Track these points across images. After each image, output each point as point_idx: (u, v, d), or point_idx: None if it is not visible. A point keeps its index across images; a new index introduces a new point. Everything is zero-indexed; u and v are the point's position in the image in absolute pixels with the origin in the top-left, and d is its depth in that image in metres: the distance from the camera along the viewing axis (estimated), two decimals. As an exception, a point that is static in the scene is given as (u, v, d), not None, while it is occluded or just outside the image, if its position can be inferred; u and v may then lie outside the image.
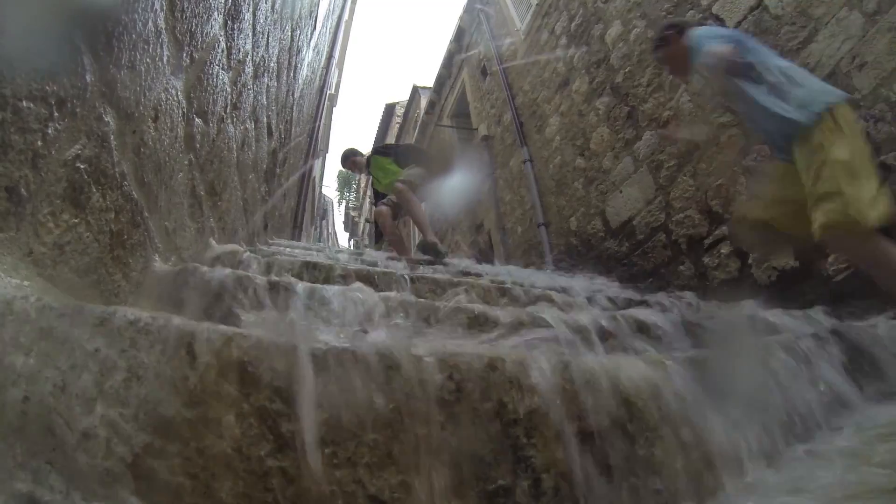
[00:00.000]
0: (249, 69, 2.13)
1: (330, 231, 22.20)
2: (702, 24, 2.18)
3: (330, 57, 7.00)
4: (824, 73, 2.36)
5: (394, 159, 4.58)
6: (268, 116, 2.76)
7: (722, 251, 2.97)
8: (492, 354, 0.80)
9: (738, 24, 2.91)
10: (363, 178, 4.96)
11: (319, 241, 12.63)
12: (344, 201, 25.65)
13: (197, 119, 1.49)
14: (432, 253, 3.58)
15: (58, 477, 0.54)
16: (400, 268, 2.45)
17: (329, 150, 12.27)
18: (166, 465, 0.57)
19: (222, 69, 1.68)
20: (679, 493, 0.83)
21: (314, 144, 5.87)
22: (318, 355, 0.67)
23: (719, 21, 3.07)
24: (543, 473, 0.74)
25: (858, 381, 1.37)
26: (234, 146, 2.00)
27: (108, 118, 0.97)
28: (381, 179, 4.63)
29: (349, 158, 5.15)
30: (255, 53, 2.18)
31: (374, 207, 5.07)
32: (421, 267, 2.87)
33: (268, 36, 2.46)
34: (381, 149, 5.12)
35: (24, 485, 0.52)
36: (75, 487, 0.54)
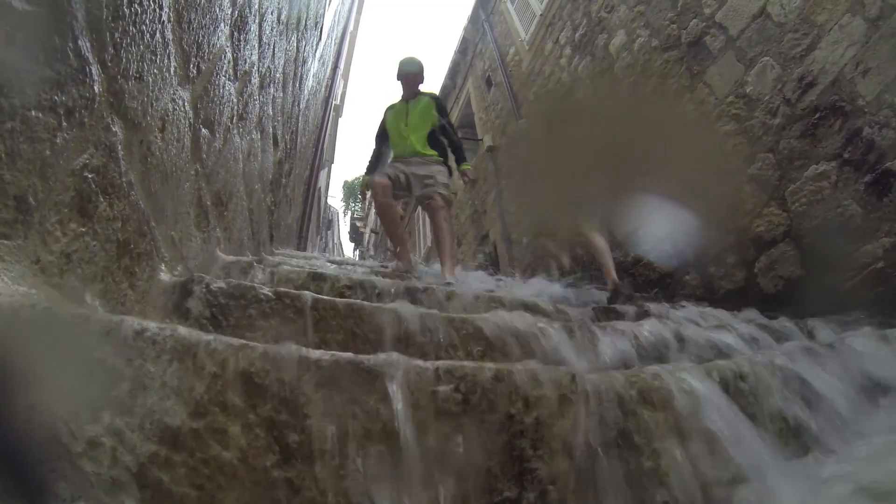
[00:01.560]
0: (255, 80, 2.14)
1: (335, 241, 22.24)
2: None
3: (335, 67, 7.05)
4: (828, 80, 2.36)
5: (439, 128, 3.57)
6: (273, 127, 2.78)
7: (728, 260, 2.95)
8: (498, 366, 0.80)
9: (742, 31, 2.92)
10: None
11: (325, 252, 12.66)
12: (349, 212, 25.74)
13: (203, 129, 1.50)
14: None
15: (63, 485, 0.53)
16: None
17: (334, 161, 12.33)
18: (172, 475, 0.56)
19: (229, 80, 1.69)
20: (687, 504, 0.82)
21: (320, 155, 5.89)
22: (324, 366, 0.67)
23: (722, 29, 3.08)
24: (549, 485, 0.74)
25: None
26: (241, 156, 2.01)
27: (115, 128, 0.98)
28: (410, 123, 3.53)
29: (409, 71, 3.71)
30: (261, 64, 2.20)
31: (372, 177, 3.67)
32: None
33: (273, 47, 2.48)
34: (440, 103, 3.79)
35: (30, 492, 0.52)
36: (80, 496, 0.53)
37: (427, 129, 3.54)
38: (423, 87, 3.78)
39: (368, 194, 4.11)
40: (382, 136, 3.76)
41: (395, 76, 3.76)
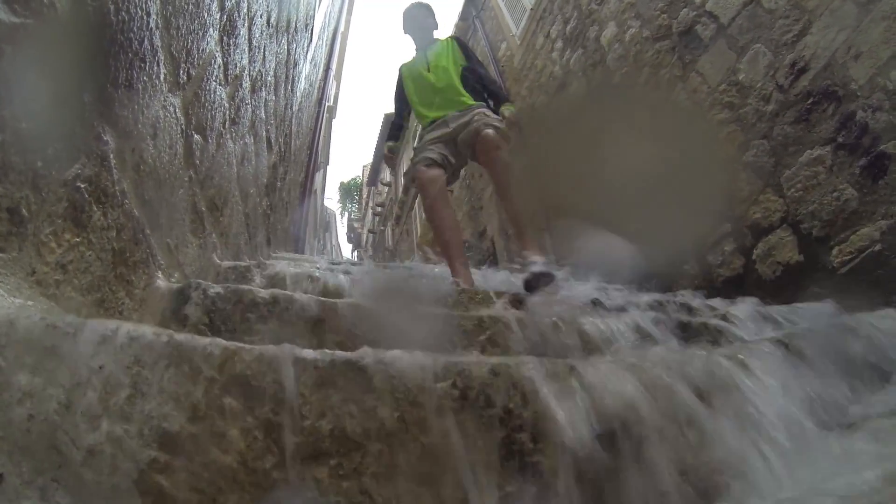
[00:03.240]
0: (247, 84, 2.14)
1: (333, 243, 22.26)
2: None
3: (327, 69, 7.04)
4: (821, 65, 2.36)
5: (469, 71, 2.87)
6: (267, 130, 2.78)
7: (725, 248, 2.96)
8: (495, 361, 0.80)
9: (732, 19, 2.92)
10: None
11: (323, 254, 12.69)
12: (346, 213, 25.78)
13: (196, 135, 1.50)
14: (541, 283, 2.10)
15: (64, 494, 0.54)
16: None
17: (329, 162, 12.33)
18: (172, 480, 0.57)
19: (219, 85, 1.69)
20: (687, 494, 0.83)
21: (314, 157, 5.89)
22: (321, 367, 0.67)
23: (713, 17, 3.07)
24: (551, 479, 0.74)
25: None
26: (234, 161, 2.01)
27: (106, 137, 0.98)
28: (433, 67, 2.84)
29: (415, 16, 3.08)
30: (251, 68, 2.20)
31: (393, 153, 3.17)
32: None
33: (264, 50, 2.47)
34: (463, 42, 3.09)
35: (31, 502, 0.52)
36: (82, 505, 0.54)
37: (457, 71, 2.84)
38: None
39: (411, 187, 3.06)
40: (402, 99, 3.06)
41: (403, 30, 3.17)
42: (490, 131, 2.52)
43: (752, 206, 2.75)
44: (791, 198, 2.50)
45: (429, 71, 2.86)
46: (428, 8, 3.13)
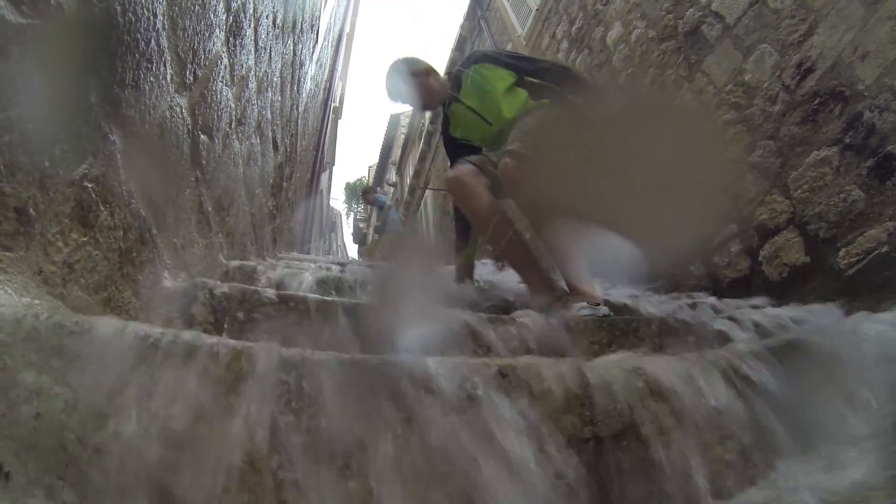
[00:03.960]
0: (253, 84, 2.15)
1: (339, 243, 22.29)
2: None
3: (333, 69, 7.05)
4: (827, 66, 2.34)
5: (521, 78, 2.29)
6: (273, 131, 2.79)
7: (731, 249, 2.94)
8: (502, 362, 0.80)
9: (738, 19, 2.90)
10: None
11: (329, 254, 12.72)
12: (352, 213, 25.82)
13: (202, 135, 1.50)
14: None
15: (71, 492, 0.54)
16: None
17: (335, 163, 12.36)
18: (178, 480, 0.57)
19: (226, 85, 1.70)
20: (694, 496, 0.82)
21: (320, 157, 5.90)
22: (327, 367, 0.67)
23: (719, 18, 3.06)
24: (557, 480, 0.74)
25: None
26: (240, 161, 2.02)
27: (113, 137, 0.99)
28: (487, 112, 2.25)
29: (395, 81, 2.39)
30: (257, 69, 2.20)
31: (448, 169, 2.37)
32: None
33: (270, 51, 2.48)
34: (494, 56, 2.42)
35: (38, 501, 0.52)
36: (88, 503, 0.54)
37: (513, 97, 2.25)
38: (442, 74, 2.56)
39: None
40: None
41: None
42: (505, 162, 1.98)
43: (759, 206, 2.73)
44: (798, 199, 2.48)
45: (490, 124, 2.26)
46: (404, 66, 2.42)
